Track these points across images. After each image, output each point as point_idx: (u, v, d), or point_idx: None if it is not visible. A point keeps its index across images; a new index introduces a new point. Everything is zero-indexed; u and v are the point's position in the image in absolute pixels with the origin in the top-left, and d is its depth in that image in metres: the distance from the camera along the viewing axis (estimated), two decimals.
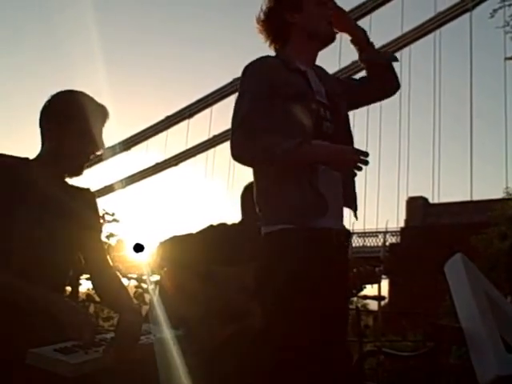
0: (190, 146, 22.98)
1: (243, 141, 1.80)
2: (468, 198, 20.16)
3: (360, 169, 1.77)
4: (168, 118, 23.00)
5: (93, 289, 2.03)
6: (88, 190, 1.96)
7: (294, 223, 1.81)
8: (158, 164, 22.92)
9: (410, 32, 20.27)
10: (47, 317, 1.55)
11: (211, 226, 2.55)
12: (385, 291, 18.56)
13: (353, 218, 2.01)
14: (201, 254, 2.38)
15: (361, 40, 2.13)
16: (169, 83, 52.56)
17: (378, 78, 2.13)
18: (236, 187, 20.91)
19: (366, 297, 4.90)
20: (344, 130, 2.01)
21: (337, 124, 1.95)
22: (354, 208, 1.99)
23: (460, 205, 20.78)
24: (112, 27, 43.51)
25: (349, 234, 1.99)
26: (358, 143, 2.06)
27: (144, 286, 4.07)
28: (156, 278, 2.92)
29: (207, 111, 22.76)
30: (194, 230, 2.54)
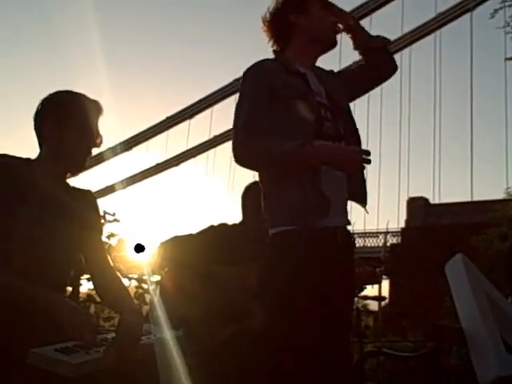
0: (190, 146, 22.99)
1: (245, 143, 1.81)
2: (468, 199, 20.14)
3: (363, 168, 1.78)
4: (169, 118, 22.99)
5: (93, 289, 2.03)
6: (89, 191, 1.97)
7: (296, 224, 1.81)
8: (158, 164, 22.90)
9: (410, 33, 20.24)
10: (47, 317, 1.56)
11: (212, 226, 2.55)
12: (385, 292, 18.58)
13: (352, 217, 2.01)
14: (201, 255, 2.38)
15: (352, 27, 2.13)
16: (169, 83, 52.64)
17: (374, 62, 2.14)
18: (236, 187, 20.92)
19: (366, 297, 4.91)
20: (351, 131, 2.01)
21: (337, 123, 1.96)
22: (364, 202, 1.99)
23: (460, 205, 20.77)
24: (112, 28, 43.64)
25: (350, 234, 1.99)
26: None
27: (145, 286, 4.08)
28: (157, 278, 2.93)
29: (208, 112, 22.76)
30: (195, 231, 2.55)
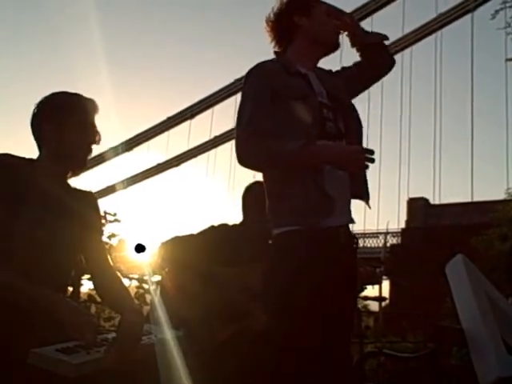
0: (191, 146, 23.00)
1: (248, 143, 1.81)
2: (469, 199, 20.12)
3: (366, 167, 1.78)
4: (169, 118, 23.01)
5: (94, 289, 2.04)
6: (90, 192, 1.98)
7: (300, 224, 1.82)
8: (159, 164, 22.91)
9: (411, 33, 20.23)
10: (48, 317, 1.56)
11: (212, 226, 2.55)
12: (386, 292, 18.57)
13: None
14: (202, 255, 2.38)
15: (349, 25, 2.13)
16: (170, 84, 52.72)
17: (372, 58, 2.15)
18: (237, 188, 20.91)
19: (366, 298, 4.92)
20: (354, 130, 2.02)
21: (338, 122, 1.96)
22: (366, 198, 2.00)
23: (461, 206, 20.75)
24: (113, 28, 43.58)
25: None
26: None
27: (145, 286, 4.08)
28: (157, 278, 2.93)
29: (208, 112, 22.79)
30: (196, 231, 2.55)
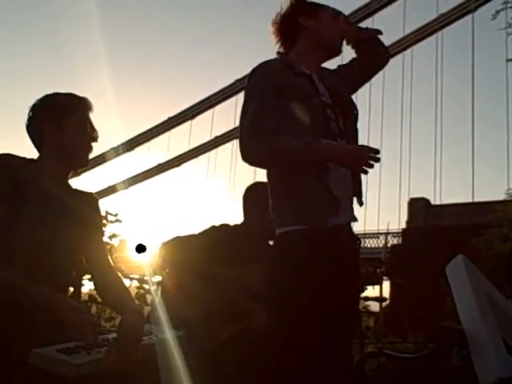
0: (192, 146, 23.02)
1: (252, 141, 1.81)
2: (469, 200, 20.13)
3: (372, 166, 1.78)
4: (170, 118, 23.03)
5: (95, 289, 2.04)
6: (91, 193, 1.98)
7: (305, 224, 1.82)
8: (160, 165, 22.93)
9: (412, 34, 20.25)
10: (48, 316, 1.56)
11: (214, 226, 2.55)
12: (386, 293, 18.54)
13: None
14: (203, 255, 2.38)
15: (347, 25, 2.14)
16: (171, 84, 52.73)
17: (368, 54, 2.16)
18: (238, 188, 20.93)
19: (367, 298, 4.91)
20: (351, 129, 2.03)
21: (339, 121, 1.97)
22: (359, 196, 2.00)
23: (461, 206, 20.73)
24: (113, 28, 43.65)
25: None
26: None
27: (146, 286, 4.07)
28: (158, 278, 2.93)
29: (209, 112, 22.80)
30: (197, 231, 2.55)
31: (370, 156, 1.75)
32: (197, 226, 2.62)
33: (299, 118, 1.87)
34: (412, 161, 22.33)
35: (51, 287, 1.64)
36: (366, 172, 1.81)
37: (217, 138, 22.37)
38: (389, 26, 24.35)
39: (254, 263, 2.33)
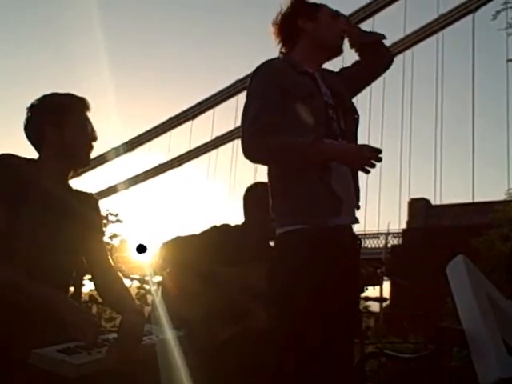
0: (192, 147, 23.01)
1: (255, 140, 1.82)
2: (470, 200, 20.12)
3: (374, 166, 1.78)
4: (171, 119, 23.03)
5: (95, 290, 2.04)
6: (91, 194, 1.98)
7: (306, 223, 1.82)
8: (160, 165, 22.92)
9: (412, 34, 20.24)
10: (49, 316, 1.56)
11: (214, 226, 2.56)
12: (386, 293, 18.54)
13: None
14: (203, 255, 2.38)
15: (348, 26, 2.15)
16: (171, 84, 52.71)
17: (371, 57, 2.16)
18: (238, 188, 20.93)
19: (367, 298, 4.91)
20: (350, 130, 2.03)
21: (340, 121, 1.97)
22: (357, 200, 2.00)
23: (462, 206, 20.73)
24: (113, 28, 43.68)
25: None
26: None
27: (146, 286, 4.08)
28: (158, 279, 2.93)
29: (210, 113, 22.80)
30: (197, 231, 2.55)
31: (372, 155, 1.76)
32: (197, 227, 2.62)
33: (302, 117, 1.88)
34: (412, 161, 22.35)
35: (51, 287, 1.64)
36: (367, 171, 1.81)
37: (217, 138, 22.37)
38: (389, 26, 24.40)
39: (254, 263, 2.33)
